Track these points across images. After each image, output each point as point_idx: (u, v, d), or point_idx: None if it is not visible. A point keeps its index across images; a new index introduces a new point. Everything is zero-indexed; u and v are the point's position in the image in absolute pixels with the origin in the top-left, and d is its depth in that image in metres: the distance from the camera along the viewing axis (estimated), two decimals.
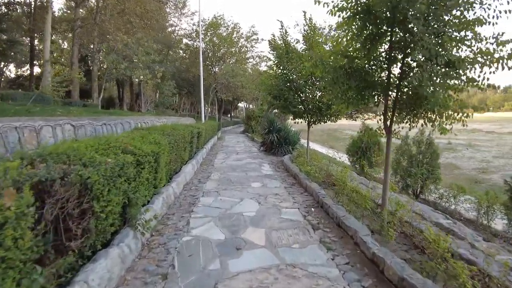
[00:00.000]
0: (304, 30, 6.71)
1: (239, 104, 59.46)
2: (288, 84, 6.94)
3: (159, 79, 14.69)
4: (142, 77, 12.87)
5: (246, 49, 30.72)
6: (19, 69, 33.90)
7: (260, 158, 9.47)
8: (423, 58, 2.91)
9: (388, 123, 3.72)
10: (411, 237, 3.66)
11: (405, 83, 3.35)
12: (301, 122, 7.61)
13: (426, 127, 3.55)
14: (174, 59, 29.54)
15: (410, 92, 3.36)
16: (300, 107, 6.95)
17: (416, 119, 3.51)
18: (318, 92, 6.63)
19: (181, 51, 31.66)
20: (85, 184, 2.44)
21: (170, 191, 4.75)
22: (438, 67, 2.91)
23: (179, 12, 30.31)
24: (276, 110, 24.09)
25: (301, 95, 7.11)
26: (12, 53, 26.88)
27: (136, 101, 18.08)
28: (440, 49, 2.92)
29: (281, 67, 6.97)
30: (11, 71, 36.30)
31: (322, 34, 6.82)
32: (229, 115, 52.10)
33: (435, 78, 2.82)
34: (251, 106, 39.93)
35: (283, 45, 6.95)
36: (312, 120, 7.24)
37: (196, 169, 7.54)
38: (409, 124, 3.58)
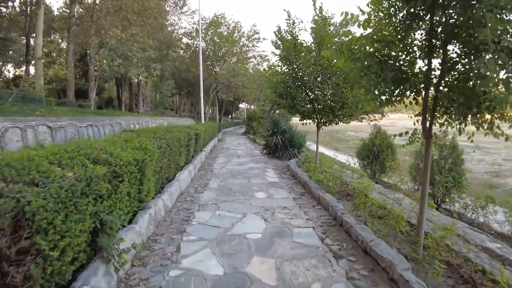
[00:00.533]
0: (314, 20, 5.99)
1: (240, 105, 58.76)
2: (296, 81, 6.21)
3: (156, 77, 13.94)
4: (138, 75, 12.14)
5: (247, 48, 30.03)
6: (18, 69, 33.31)
7: (263, 162, 8.74)
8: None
9: (428, 124, 2.98)
10: (457, 268, 2.93)
11: (455, 74, 2.62)
12: (309, 123, 6.88)
13: (478, 130, 2.81)
14: (174, 59, 28.88)
15: (461, 86, 2.62)
16: (309, 106, 6.21)
17: (467, 121, 2.76)
18: (330, 90, 5.89)
19: (181, 51, 30.99)
20: (24, 212, 1.72)
21: (160, 205, 4.02)
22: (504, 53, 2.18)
23: (179, 10, 29.69)
24: (278, 111, 23.36)
25: (310, 93, 6.38)
26: (9, 52, 26.30)
27: (135, 102, 17.39)
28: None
29: (288, 62, 6.24)
30: (10, 71, 35.69)
31: (333, 24, 6.07)
32: (230, 116, 51.39)
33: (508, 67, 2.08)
34: (252, 107, 39.20)
35: (290, 37, 6.22)
36: (322, 121, 6.51)
37: (194, 175, 6.81)
38: (459, 127, 2.83)
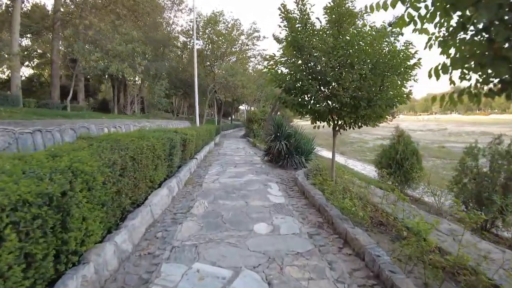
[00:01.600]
0: None
1: (240, 107, 57.36)
2: (307, 72, 4.77)
3: (141, 74, 12.54)
4: (120, 72, 10.73)
5: (247, 47, 28.68)
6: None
7: (264, 173, 7.27)
8: None
9: None
10: None
11: None
12: (323, 126, 5.42)
13: None
14: (170, 58, 27.54)
15: None
16: (324, 104, 4.75)
17: None
18: (353, 83, 4.43)
19: (178, 51, 29.67)
20: None
21: (107, 256, 2.57)
22: None
23: (176, 8, 28.40)
24: (279, 113, 21.89)
25: (324, 88, 4.93)
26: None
27: (123, 103, 15.99)
28: None
29: (297, 48, 4.80)
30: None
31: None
32: (229, 118, 50.00)
33: None
34: (252, 108, 37.77)
35: (299, 15, 4.79)
36: (341, 123, 5.06)
37: (176, 192, 5.36)
38: None
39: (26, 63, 30.04)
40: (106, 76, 31.37)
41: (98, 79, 29.90)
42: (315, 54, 4.74)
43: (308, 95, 4.79)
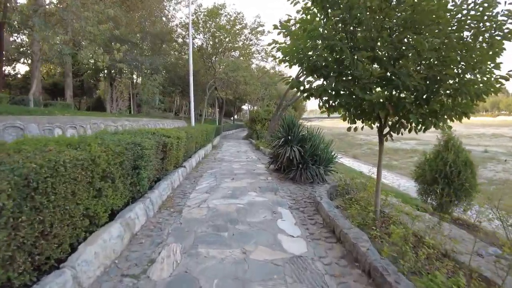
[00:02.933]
0: None
1: (243, 107, 55.54)
2: (349, 39, 2.92)
3: (121, 63, 10.76)
4: (92, 58, 8.94)
5: (250, 42, 26.87)
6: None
7: (271, 191, 5.42)
8: None
9: None
10: None
11: None
12: (361, 128, 3.56)
13: None
14: (169, 53, 25.81)
15: None
16: (379, 90, 2.89)
17: None
18: (430, 54, 2.56)
19: (177, 45, 27.92)
20: None
21: None
22: None
23: (174, 0, 26.67)
24: (284, 112, 19.99)
25: (378, 64, 3.08)
26: None
27: (117, 101, 14.25)
28: None
29: (328, 2, 2.96)
30: None
31: None
32: (231, 118, 48.26)
33: None
34: (255, 108, 35.93)
35: None
36: (395, 122, 3.21)
37: (140, 227, 3.54)
38: None
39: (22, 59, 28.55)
40: (105, 71, 29.76)
41: (94, 76, 28.27)
42: (357, 12, 2.88)
43: (349, 76, 2.93)
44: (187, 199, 4.85)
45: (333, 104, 3.21)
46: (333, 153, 6.43)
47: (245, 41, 26.83)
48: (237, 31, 24.57)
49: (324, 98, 3.25)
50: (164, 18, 24.95)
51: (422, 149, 29.42)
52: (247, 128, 23.14)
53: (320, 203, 4.18)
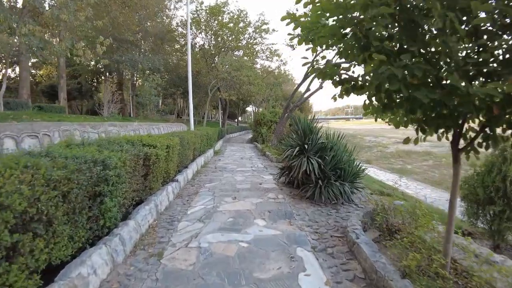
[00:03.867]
0: None
1: (247, 109, 54.39)
2: None
3: (105, 59, 9.63)
4: (70, 51, 7.83)
5: (254, 40, 25.72)
6: None
7: (284, 217, 4.16)
8: None
9: None
10: None
11: None
12: (423, 138, 2.31)
13: None
14: (170, 53, 24.78)
15: None
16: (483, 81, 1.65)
17: None
18: None
19: (178, 45, 26.90)
20: None
21: None
22: None
23: None
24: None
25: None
26: None
27: (108, 102, 13.12)
28: None
29: None
30: None
31: None
32: (235, 120, 47.14)
33: None
34: (260, 109, 34.75)
35: None
36: (493, 133, 1.96)
37: None
38: None
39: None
40: (106, 74, 28.85)
41: (91, 78, 27.41)
42: None
43: (435, 55, 1.69)
44: (173, 232, 3.64)
45: (395, 100, 1.97)
46: (360, 165, 5.17)
47: (249, 40, 25.72)
48: (241, 29, 23.46)
49: (377, 94, 2.01)
50: (164, 17, 23.95)
51: (436, 151, 27.91)
52: (252, 131, 21.93)
53: (356, 244, 2.93)
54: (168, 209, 4.58)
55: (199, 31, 22.71)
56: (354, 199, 4.91)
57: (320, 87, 13.82)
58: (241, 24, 23.64)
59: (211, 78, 19.54)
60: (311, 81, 13.81)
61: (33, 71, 31.81)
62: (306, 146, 5.02)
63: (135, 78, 23.98)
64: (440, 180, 14.95)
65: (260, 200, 5.02)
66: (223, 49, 21.87)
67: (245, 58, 22.13)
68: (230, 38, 22.57)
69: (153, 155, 4.39)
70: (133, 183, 3.79)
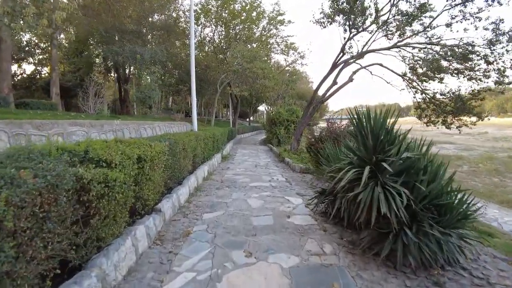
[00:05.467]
0: None
1: (259, 108, 52.08)
2: None
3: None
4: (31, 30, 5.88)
5: (268, 33, 23.48)
6: None
7: None
8: None
9: None
10: None
11: None
12: None
13: None
14: (176, 47, 22.89)
15: None
16: None
17: None
18: None
19: (187, 40, 25.00)
20: None
21: None
22: None
23: None
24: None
25: None
26: None
27: (95, 96, 11.19)
28: None
29: None
30: None
31: None
32: (247, 120, 45.05)
33: None
34: (274, 108, 32.50)
35: None
36: None
37: None
38: None
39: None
40: (111, 69, 27.31)
41: (87, 71, 25.84)
42: None
43: None
44: None
45: None
46: (467, 199, 2.89)
47: (263, 32, 23.52)
48: (253, 19, 21.27)
49: None
50: (172, 9, 22.09)
51: (467, 155, 24.96)
52: (266, 131, 19.74)
53: None
54: (131, 278, 2.48)
55: (208, 21, 20.71)
56: (464, 263, 2.68)
57: (350, 79, 11.50)
58: (254, 14, 21.49)
59: (221, 73, 17.46)
60: (338, 73, 11.52)
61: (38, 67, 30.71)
62: (380, 165, 2.78)
63: (130, 71, 22.13)
64: (487, 192, 12.27)
65: (295, 259, 2.82)
66: (234, 41, 19.76)
67: (260, 51, 19.91)
68: (241, 28, 20.48)
69: (99, 183, 2.31)
70: (53, 236, 1.73)
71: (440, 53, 11.62)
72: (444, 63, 12.19)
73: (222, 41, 21.74)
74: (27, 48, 24.60)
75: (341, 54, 10.88)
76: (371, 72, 12.41)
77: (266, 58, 19.25)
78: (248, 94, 20.26)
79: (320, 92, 11.90)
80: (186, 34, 22.94)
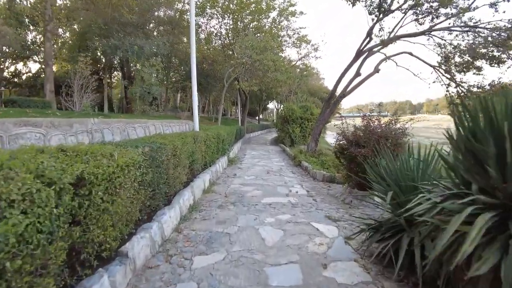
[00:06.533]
0: None
1: (269, 106, 50.58)
2: None
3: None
4: None
5: (279, 25, 21.92)
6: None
7: None
8: None
9: None
10: None
11: None
12: None
13: None
14: (182, 42, 21.67)
15: None
16: None
17: None
18: None
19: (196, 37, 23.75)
20: None
21: None
22: None
23: None
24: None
25: None
26: None
27: (81, 90, 9.86)
28: None
29: None
30: None
31: None
32: (256, 118, 43.63)
33: None
34: (282, 107, 31.02)
35: None
36: None
37: None
38: None
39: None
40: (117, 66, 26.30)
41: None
42: None
43: None
44: None
45: None
46: None
47: (273, 24, 21.97)
48: (263, 9, 19.76)
49: None
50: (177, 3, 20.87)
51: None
52: (277, 130, 18.27)
53: None
54: None
55: (214, 13, 19.36)
56: None
57: (376, 70, 9.93)
58: (264, 4, 19.99)
59: (228, 67, 16.06)
60: (362, 62, 9.97)
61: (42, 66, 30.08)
62: None
63: (131, 68, 20.98)
64: None
65: None
66: (243, 32, 18.33)
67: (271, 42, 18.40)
68: (250, 19, 19.04)
69: None
70: None
71: (483, 38, 9.89)
72: (483, 51, 10.50)
73: (230, 34, 20.33)
74: (32, 47, 23.93)
75: (367, 39, 9.31)
76: (396, 63, 10.81)
77: (277, 50, 17.70)
78: (258, 89, 18.81)
79: (341, 86, 10.37)
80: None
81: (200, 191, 5.11)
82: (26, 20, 21.61)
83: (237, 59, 14.28)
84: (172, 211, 3.58)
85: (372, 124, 4.59)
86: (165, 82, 22.15)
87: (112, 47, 14.17)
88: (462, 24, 9.40)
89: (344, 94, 9.65)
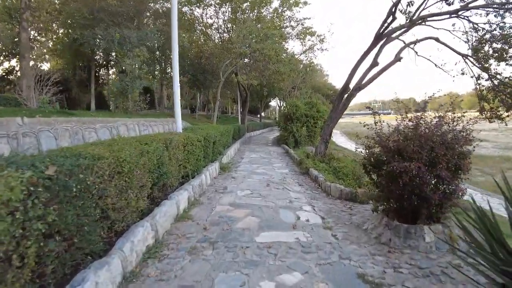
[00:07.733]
0: None
1: (271, 103, 48.89)
2: None
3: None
4: None
5: (280, 15, 20.25)
6: None
7: None
8: None
9: None
10: None
11: None
12: None
13: None
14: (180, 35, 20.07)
15: None
16: None
17: None
18: None
19: (187, 23, 22.12)
20: None
21: None
22: None
23: None
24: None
25: None
26: None
27: (38, 85, 8.30)
28: None
29: None
30: None
31: None
32: (258, 116, 41.99)
33: None
34: (284, 104, 29.29)
35: None
36: None
37: None
38: None
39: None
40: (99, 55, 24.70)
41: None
42: None
43: None
44: None
45: None
46: None
47: (275, 15, 20.31)
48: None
49: None
50: None
51: None
52: (280, 128, 16.67)
53: None
54: None
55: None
56: None
57: (398, 59, 8.33)
58: None
59: (225, 59, 14.47)
60: (380, 49, 8.37)
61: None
62: None
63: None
64: None
65: None
66: (242, 20, 16.71)
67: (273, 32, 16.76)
68: (250, 8, 17.41)
69: None
70: None
71: None
72: None
73: (228, 25, 18.74)
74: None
75: (390, 18, 7.67)
76: (416, 53, 9.19)
77: (280, 39, 16.05)
78: (258, 83, 17.21)
79: (356, 78, 8.77)
80: (190, 21, 20.04)
81: (170, 220, 3.59)
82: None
83: (234, 49, 12.70)
84: (102, 271, 2.06)
85: (423, 125, 3.03)
86: (158, 77, 20.62)
87: (90, 37, 12.58)
88: (505, 0, 7.75)
89: (359, 86, 8.05)
